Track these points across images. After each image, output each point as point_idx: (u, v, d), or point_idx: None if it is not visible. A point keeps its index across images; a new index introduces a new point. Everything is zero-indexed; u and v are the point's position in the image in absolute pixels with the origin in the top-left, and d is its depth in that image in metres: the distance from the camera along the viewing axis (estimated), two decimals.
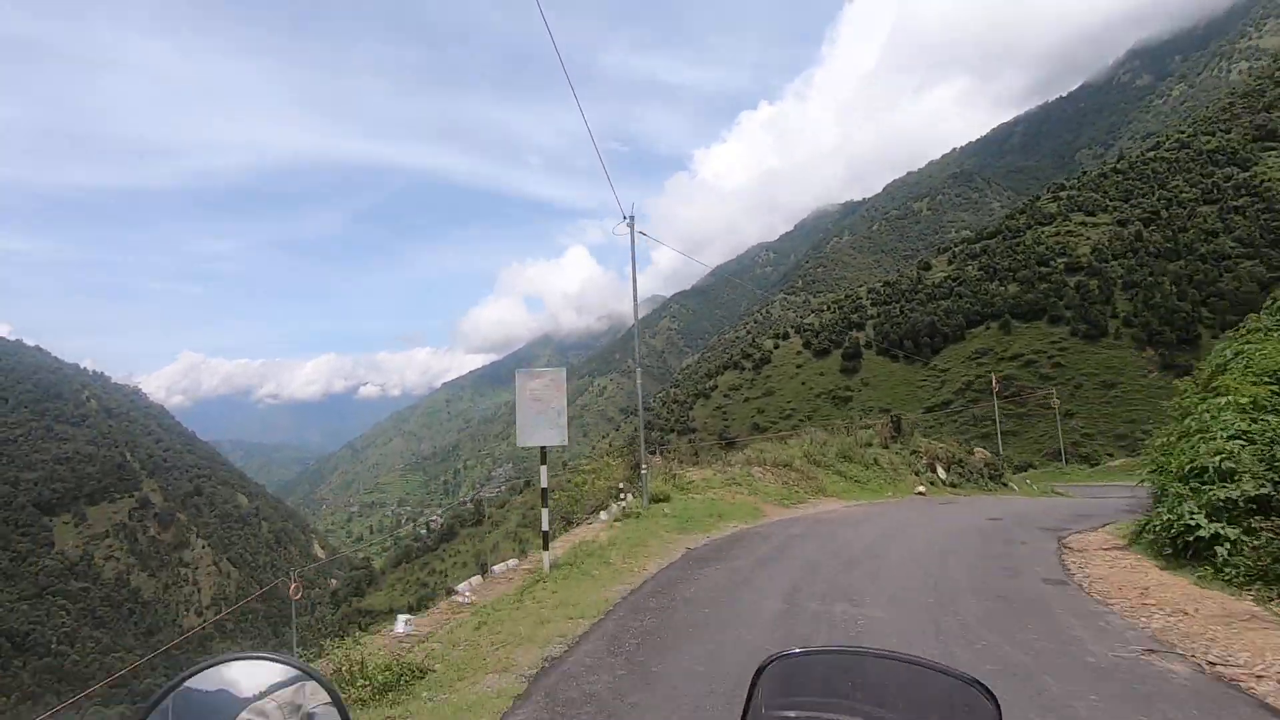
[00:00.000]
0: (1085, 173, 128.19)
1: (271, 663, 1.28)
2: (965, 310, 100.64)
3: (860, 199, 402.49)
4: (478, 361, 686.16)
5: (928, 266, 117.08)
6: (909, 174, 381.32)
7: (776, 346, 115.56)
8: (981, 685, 1.15)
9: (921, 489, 21.47)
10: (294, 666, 1.27)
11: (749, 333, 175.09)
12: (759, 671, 1.23)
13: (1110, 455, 70.00)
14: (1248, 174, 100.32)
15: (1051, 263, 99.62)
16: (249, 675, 1.25)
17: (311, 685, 1.26)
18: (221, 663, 1.25)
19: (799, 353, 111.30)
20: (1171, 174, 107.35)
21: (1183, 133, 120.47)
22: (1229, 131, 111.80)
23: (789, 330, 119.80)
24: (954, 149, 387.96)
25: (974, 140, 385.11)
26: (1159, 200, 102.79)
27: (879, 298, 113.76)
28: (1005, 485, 27.13)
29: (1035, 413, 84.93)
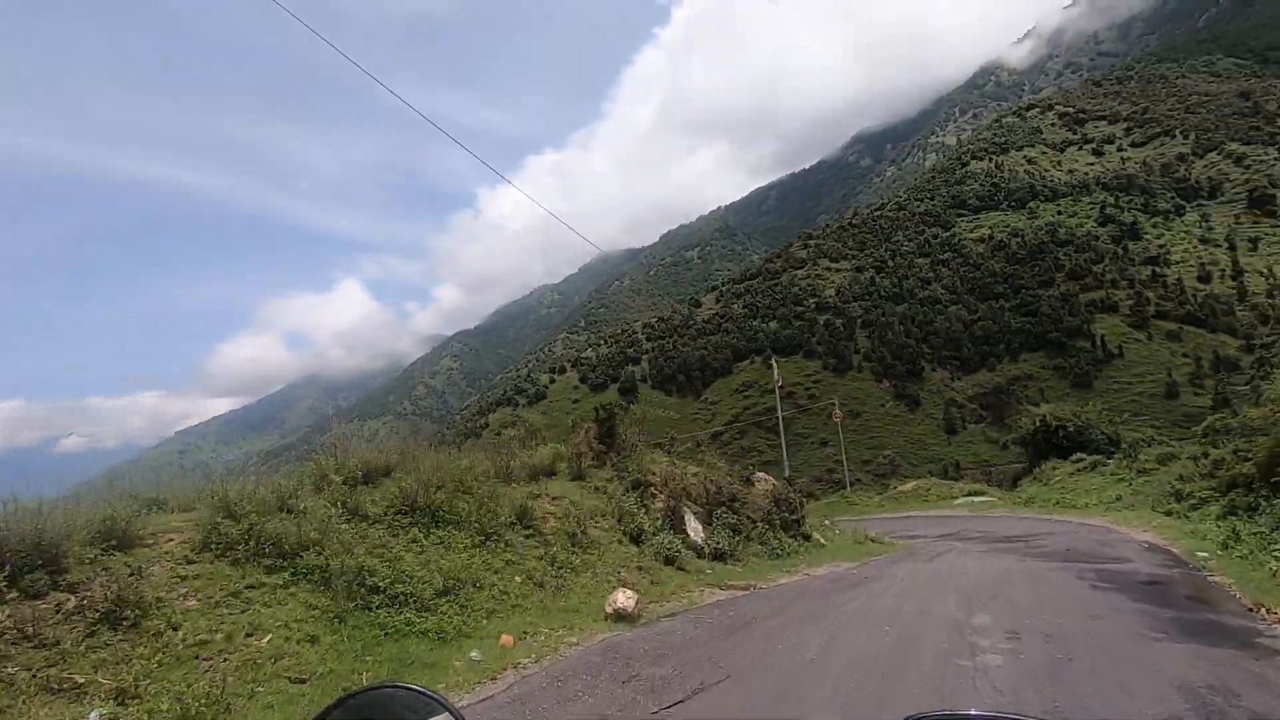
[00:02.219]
0: (828, 225, 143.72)
1: (418, 695, 1.50)
2: (733, 345, 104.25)
3: (640, 246, 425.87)
4: (224, 406, 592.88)
5: (698, 304, 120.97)
6: (682, 226, 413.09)
7: (553, 381, 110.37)
8: None
9: (624, 600, 8.69)
10: (435, 700, 1.45)
11: (529, 371, 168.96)
12: None
13: (859, 480, 74.14)
14: (949, 233, 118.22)
15: (804, 302, 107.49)
16: (398, 703, 1.50)
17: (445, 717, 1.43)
18: (376, 689, 1.56)
19: (576, 387, 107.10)
20: (894, 230, 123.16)
21: (900, 197, 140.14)
22: (933, 199, 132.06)
23: (565, 365, 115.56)
24: (720, 206, 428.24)
25: (736, 200, 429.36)
26: (886, 251, 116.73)
27: (654, 333, 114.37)
28: (808, 539, 16.11)
29: (794, 442, 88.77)
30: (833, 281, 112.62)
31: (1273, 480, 12.41)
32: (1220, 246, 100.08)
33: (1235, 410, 23.63)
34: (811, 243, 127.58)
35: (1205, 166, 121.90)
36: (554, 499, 11.35)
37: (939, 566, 13.42)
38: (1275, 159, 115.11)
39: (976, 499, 27.10)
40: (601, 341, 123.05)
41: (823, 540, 16.43)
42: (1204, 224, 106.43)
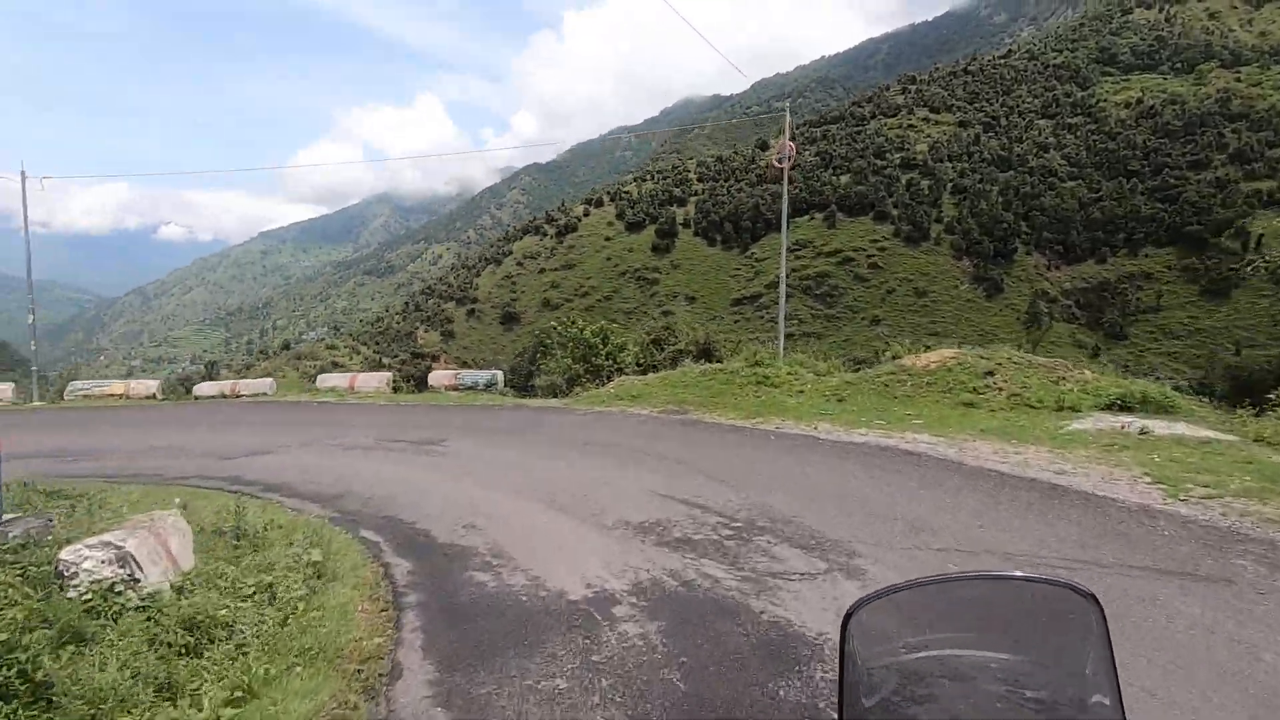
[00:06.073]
0: (938, 67, 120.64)
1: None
2: (793, 197, 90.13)
3: (729, 94, 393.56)
4: (302, 213, 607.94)
5: (765, 146, 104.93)
6: (777, 74, 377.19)
7: (587, 213, 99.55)
8: (1077, 587, 1.07)
9: None
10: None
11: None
12: (846, 621, 1.12)
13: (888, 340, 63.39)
14: (1086, 93, 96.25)
15: (888, 156, 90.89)
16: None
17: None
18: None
19: (610, 224, 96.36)
20: (1018, 82, 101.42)
21: (1034, 45, 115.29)
22: (1075, 51, 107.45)
23: (604, 197, 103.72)
24: (823, 56, 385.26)
25: (843, 51, 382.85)
26: (1002, 107, 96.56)
27: (707, 173, 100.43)
28: None
29: (843, 315, 77.43)
30: (928, 135, 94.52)
31: None
32: None
33: None
34: (913, 87, 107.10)
35: None
36: None
37: None
38: None
39: (1154, 427, 8.21)
40: (647, 177, 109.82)
41: None
42: None
